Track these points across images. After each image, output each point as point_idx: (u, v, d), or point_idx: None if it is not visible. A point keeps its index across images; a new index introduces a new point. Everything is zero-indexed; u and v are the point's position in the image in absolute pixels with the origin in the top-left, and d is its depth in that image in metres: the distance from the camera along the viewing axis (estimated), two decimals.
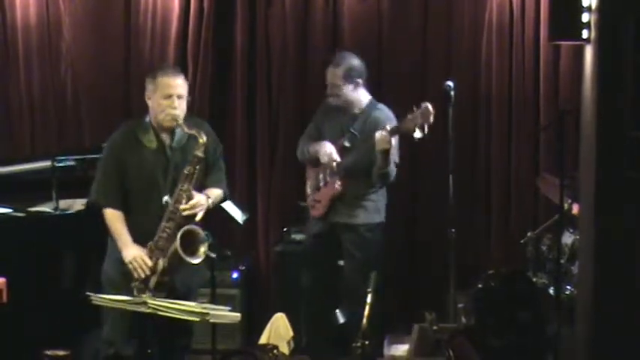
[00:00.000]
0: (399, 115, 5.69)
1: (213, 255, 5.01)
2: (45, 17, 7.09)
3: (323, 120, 5.92)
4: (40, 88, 7.14)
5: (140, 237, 5.05)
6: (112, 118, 6.93)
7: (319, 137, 5.88)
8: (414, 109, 5.47)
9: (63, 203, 5.73)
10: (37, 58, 7.13)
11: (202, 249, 4.96)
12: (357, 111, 5.80)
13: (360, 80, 5.78)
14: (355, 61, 5.79)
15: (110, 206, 5.11)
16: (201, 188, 5.16)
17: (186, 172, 5.01)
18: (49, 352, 5.00)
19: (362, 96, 5.81)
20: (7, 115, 7.15)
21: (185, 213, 5.00)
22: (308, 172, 6.00)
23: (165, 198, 5.04)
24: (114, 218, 5.09)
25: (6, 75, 7.13)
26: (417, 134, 5.45)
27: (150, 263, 4.97)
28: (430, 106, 5.42)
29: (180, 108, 5.08)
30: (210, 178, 5.24)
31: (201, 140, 5.01)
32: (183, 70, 6.76)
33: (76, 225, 5.72)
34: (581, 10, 5.04)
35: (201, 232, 4.98)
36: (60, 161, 5.74)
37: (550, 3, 5.72)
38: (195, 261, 4.96)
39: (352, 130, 5.76)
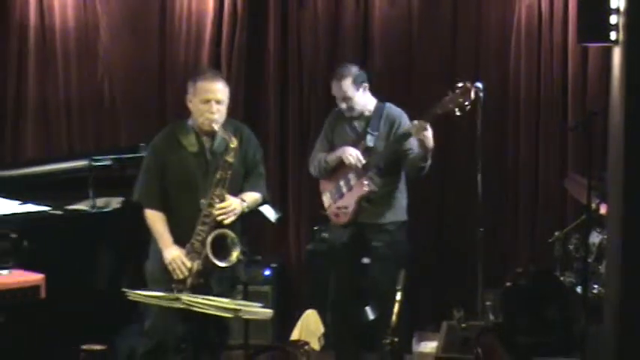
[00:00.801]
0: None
1: (244, 259, 5.01)
2: (83, 20, 7.14)
3: (332, 131, 5.88)
4: (78, 90, 7.19)
5: (180, 237, 5.03)
6: (148, 119, 7.00)
7: (332, 149, 5.85)
8: (449, 92, 5.41)
9: (100, 201, 5.75)
10: (75, 60, 7.18)
11: (234, 253, 4.94)
12: (367, 113, 5.78)
13: (366, 84, 5.75)
14: (357, 69, 5.77)
15: (151, 207, 5.09)
16: (240, 192, 5.12)
17: (217, 176, 4.96)
18: (85, 347, 5.02)
19: (370, 99, 5.80)
20: (46, 116, 7.20)
21: (219, 218, 4.97)
22: (323, 185, 5.92)
23: (203, 201, 5.01)
24: (155, 219, 5.08)
25: (45, 76, 7.18)
26: (458, 113, 5.39)
27: (189, 264, 4.95)
28: (469, 84, 5.37)
29: (219, 113, 5.02)
30: (248, 182, 5.19)
31: (231, 145, 4.96)
32: None
33: (113, 223, 5.73)
34: (609, 12, 4.99)
35: (233, 236, 4.96)
36: (97, 160, 5.75)
37: (578, 5, 5.66)
38: (226, 265, 4.94)
39: (370, 131, 5.73)
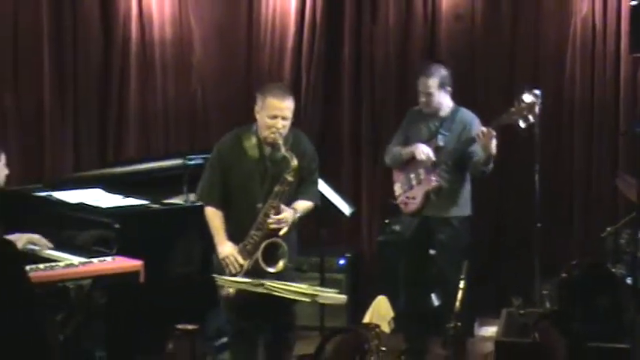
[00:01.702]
0: (489, 120, 5.60)
1: (290, 265, 4.96)
2: (178, 35, 7.22)
3: (409, 128, 5.88)
4: (174, 99, 7.27)
5: (234, 236, 4.99)
6: (236, 125, 7.03)
7: (407, 144, 5.84)
8: (516, 103, 5.38)
9: (192, 196, 5.79)
10: (172, 71, 7.26)
11: (281, 262, 4.89)
12: (443, 114, 5.75)
13: (449, 88, 5.72)
14: (445, 72, 5.73)
15: (211, 205, 5.05)
16: (293, 198, 5.02)
17: (276, 189, 4.87)
18: (180, 327, 5.08)
19: (447, 100, 5.76)
20: (145, 121, 7.29)
21: (271, 227, 4.90)
22: (396, 175, 5.94)
23: (259, 205, 4.94)
24: (213, 216, 5.04)
25: (145, 87, 7.26)
26: (522, 124, 5.36)
27: (241, 261, 4.91)
28: (535, 99, 5.33)
29: (284, 128, 4.91)
30: (301, 191, 5.03)
31: (292, 164, 4.84)
32: (297, 81, 6.86)
33: (203, 216, 5.77)
34: None
35: (284, 246, 4.91)
36: (190, 159, 5.79)
37: (630, 19, 5.56)
38: (273, 270, 4.87)
39: (442, 132, 5.71)
